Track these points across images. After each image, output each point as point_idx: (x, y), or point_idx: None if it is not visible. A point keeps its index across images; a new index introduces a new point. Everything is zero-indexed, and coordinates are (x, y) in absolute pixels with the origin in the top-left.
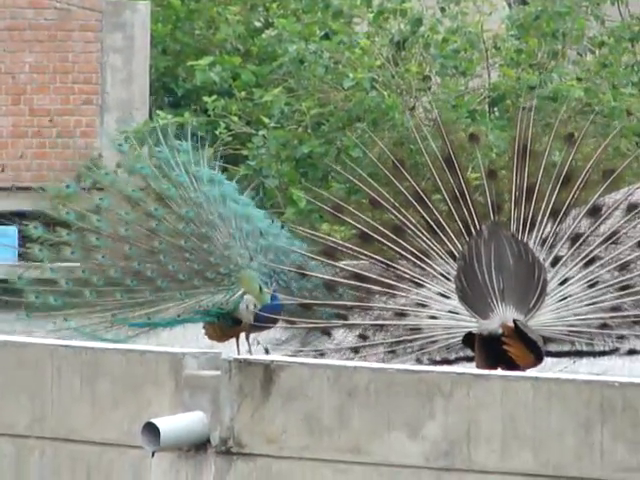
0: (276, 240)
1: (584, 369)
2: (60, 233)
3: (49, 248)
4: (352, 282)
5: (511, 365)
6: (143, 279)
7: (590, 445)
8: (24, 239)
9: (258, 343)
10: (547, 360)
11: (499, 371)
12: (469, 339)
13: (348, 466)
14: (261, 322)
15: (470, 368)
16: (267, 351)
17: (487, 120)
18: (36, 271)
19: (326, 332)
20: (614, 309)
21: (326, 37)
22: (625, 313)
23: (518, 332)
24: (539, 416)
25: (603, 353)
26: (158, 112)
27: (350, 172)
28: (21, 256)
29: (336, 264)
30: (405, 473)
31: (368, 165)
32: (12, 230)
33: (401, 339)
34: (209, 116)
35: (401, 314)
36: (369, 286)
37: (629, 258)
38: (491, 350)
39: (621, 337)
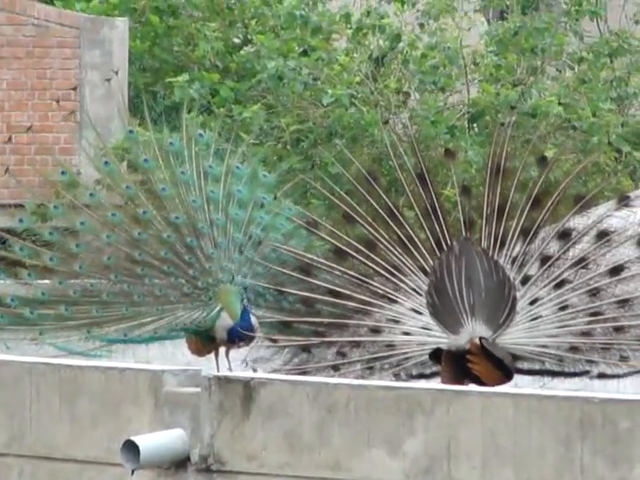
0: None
1: (563, 385)
2: (43, 232)
3: (30, 248)
4: (328, 298)
5: (477, 382)
6: (119, 293)
7: (570, 461)
8: (3, 242)
9: (247, 364)
10: (525, 377)
11: (479, 387)
12: (437, 354)
13: None
14: (233, 340)
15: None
16: (254, 371)
17: (466, 136)
18: (13, 282)
19: (306, 350)
20: (584, 334)
21: (305, 53)
22: (595, 339)
23: (484, 350)
24: (519, 432)
25: (574, 374)
26: (137, 128)
27: (329, 189)
28: None
29: (311, 280)
30: None
31: (347, 182)
32: None
33: (377, 355)
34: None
35: (376, 330)
36: (344, 302)
37: (598, 285)
38: (458, 366)
39: (591, 361)
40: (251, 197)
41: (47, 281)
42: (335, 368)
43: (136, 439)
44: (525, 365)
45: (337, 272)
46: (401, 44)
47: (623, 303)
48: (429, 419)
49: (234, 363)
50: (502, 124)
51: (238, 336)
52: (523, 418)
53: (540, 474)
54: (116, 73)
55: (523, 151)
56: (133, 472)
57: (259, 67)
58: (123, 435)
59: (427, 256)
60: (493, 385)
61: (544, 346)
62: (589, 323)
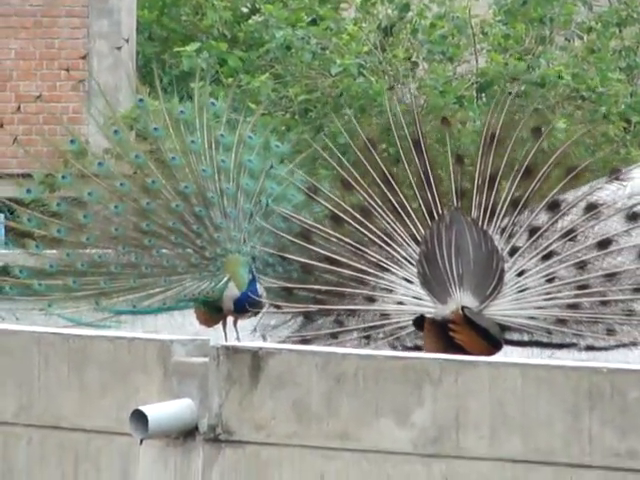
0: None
1: (572, 355)
2: (51, 202)
3: (38, 219)
4: (325, 265)
5: (461, 351)
6: (127, 264)
7: (579, 431)
8: (13, 216)
9: (256, 332)
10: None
11: (487, 357)
12: (420, 322)
13: (336, 452)
14: (240, 310)
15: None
16: (264, 339)
17: (474, 106)
18: (21, 252)
19: (308, 317)
20: (571, 307)
21: (313, 23)
22: (581, 312)
23: (467, 319)
24: (528, 403)
25: (562, 346)
26: (146, 97)
27: (336, 158)
28: (7, 243)
29: (310, 247)
30: (393, 459)
31: (354, 151)
32: None
33: (372, 324)
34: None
35: (370, 299)
36: (341, 270)
37: (586, 258)
38: (442, 335)
39: (578, 334)
40: (262, 167)
41: (55, 251)
42: (334, 336)
43: (145, 409)
44: (514, 336)
45: (334, 239)
46: (410, 13)
47: (610, 277)
48: (437, 389)
49: (243, 333)
50: (509, 94)
51: (245, 306)
52: (531, 388)
53: (548, 444)
54: (126, 41)
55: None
56: (142, 441)
57: (267, 37)
58: (131, 405)
59: (419, 225)
60: (477, 355)
61: (532, 318)
62: (576, 296)
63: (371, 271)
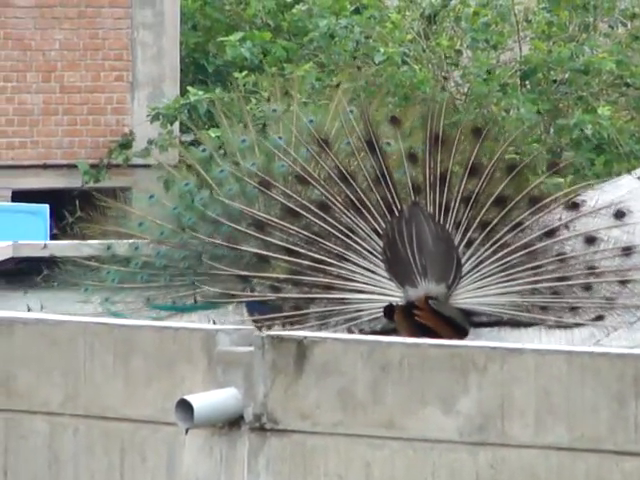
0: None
1: (616, 343)
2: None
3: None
4: (282, 256)
5: (433, 335)
6: (194, 261)
7: (624, 418)
8: (57, 217)
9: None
10: (577, 334)
11: (533, 345)
12: (390, 311)
13: (382, 441)
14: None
15: (503, 342)
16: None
17: (518, 93)
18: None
19: (265, 304)
20: (531, 292)
21: (357, 11)
22: (542, 296)
23: (431, 309)
24: (573, 390)
25: (530, 325)
26: (189, 88)
27: (291, 157)
28: (54, 236)
29: (266, 238)
30: (439, 448)
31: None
32: (44, 208)
33: (330, 310)
34: (240, 92)
35: (329, 287)
36: (298, 260)
37: (537, 247)
38: (413, 321)
39: (545, 308)
40: None
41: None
42: (291, 323)
43: (190, 398)
44: (483, 318)
45: (291, 231)
46: (453, 1)
47: (562, 262)
48: (483, 377)
49: None
50: (554, 81)
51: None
52: (576, 376)
53: (594, 431)
54: None
55: (579, 106)
56: (187, 431)
57: (311, 26)
58: (177, 394)
59: (379, 219)
60: (447, 338)
61: (493, 304)
62: (534, 282)
63: (331, 261)
